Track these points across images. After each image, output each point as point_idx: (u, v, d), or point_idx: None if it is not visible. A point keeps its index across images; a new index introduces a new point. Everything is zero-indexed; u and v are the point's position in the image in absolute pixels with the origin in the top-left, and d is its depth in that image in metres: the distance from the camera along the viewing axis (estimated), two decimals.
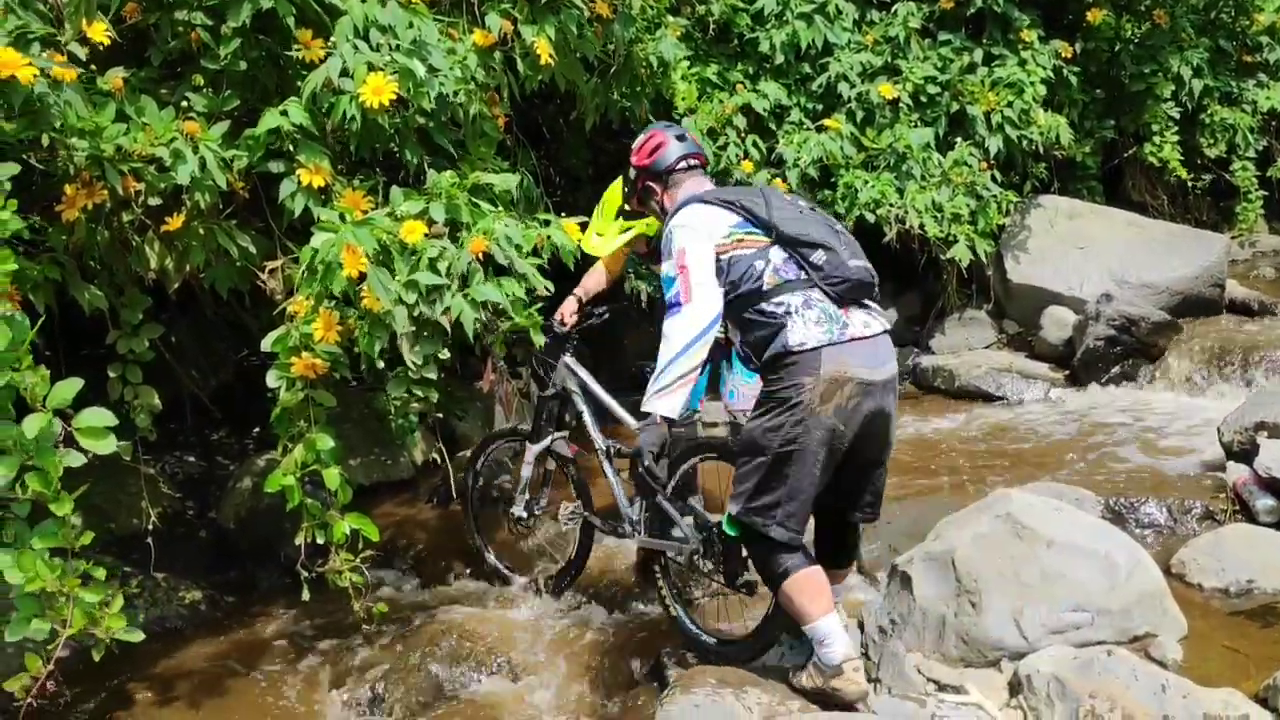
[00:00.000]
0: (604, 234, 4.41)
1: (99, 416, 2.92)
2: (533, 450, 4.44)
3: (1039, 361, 7.22)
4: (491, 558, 4.78)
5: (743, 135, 6.52)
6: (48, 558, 2.92)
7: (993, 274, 7.63)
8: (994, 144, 7.08)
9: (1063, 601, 3.50)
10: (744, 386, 4.54)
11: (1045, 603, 3.50)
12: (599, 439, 4.28)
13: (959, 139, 7.07)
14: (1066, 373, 6.97)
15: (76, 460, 2.89)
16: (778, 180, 6.49)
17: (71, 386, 2.88)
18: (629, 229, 4.37)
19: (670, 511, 3.94)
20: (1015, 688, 3.33)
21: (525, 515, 4.55)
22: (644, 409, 3.24)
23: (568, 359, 4.35)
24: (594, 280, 4.62)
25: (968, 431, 6.29)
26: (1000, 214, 7.19)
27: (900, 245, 6.92)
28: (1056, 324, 7.22)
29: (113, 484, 5.00)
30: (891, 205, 6.71)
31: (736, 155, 6.42)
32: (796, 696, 3.21)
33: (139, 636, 3.13)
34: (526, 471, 4.47)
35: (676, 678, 3.58)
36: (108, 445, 2.91)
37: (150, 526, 4.57)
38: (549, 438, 4.41)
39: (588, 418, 4.30)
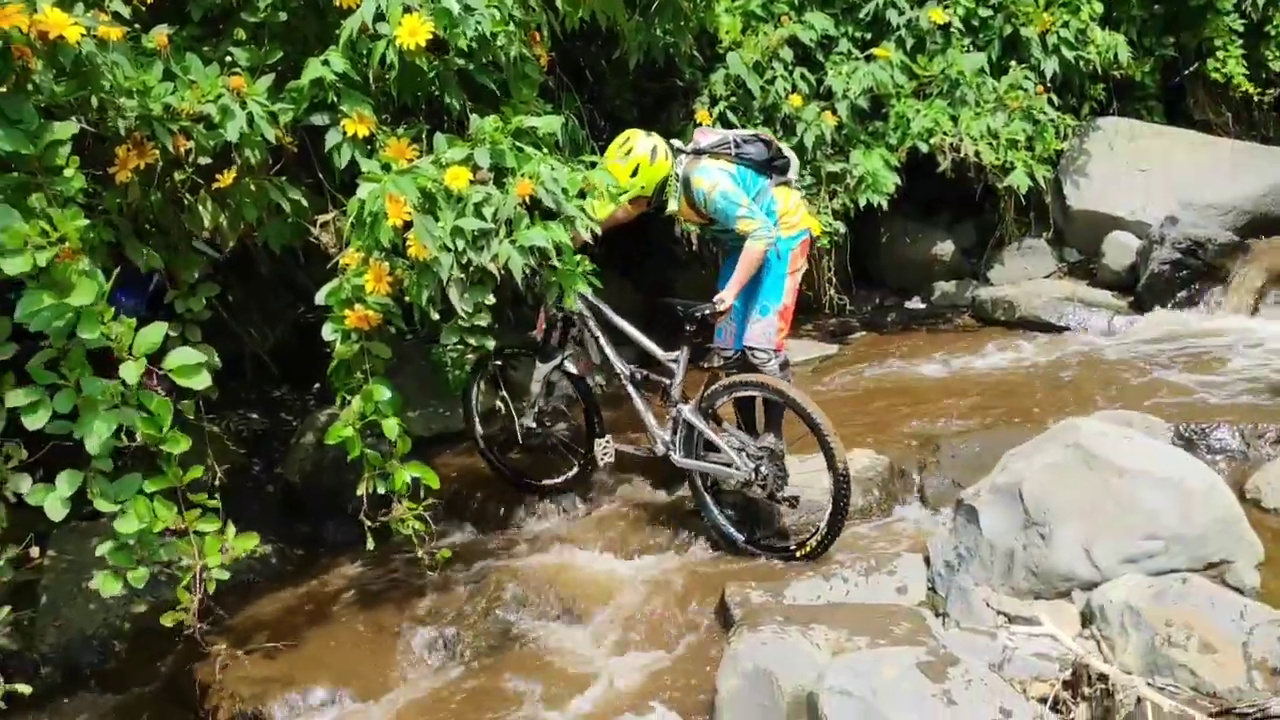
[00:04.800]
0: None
1: (189, 355, 2.98)
2: (542, 369, 4.72)
3: (1102, 289, 7.07)
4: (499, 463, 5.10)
5: (790, 68, 6.37)
6: (161, 500, 3.02)
7: (1052, 201, 7.46)
8: (1050, 66, 6.87)
9: (1135, 530, 3.45)
10: (756, 322, 4.51)
11: (1117, 532, 3.45)
12: (620, 364, 4.51)
13: (1013, 62, 6.87)
14: (1131, 299, 6.83)
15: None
16: (827, 113, 6.35)
17: (158, 331, 2.93)
18: (624, 191, 4.49)
19: (718, 441, 4.27)
20: (1088, 618, 3.29)
21: (535, 426, 4.82)
22: None
23: None
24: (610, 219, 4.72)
25: (1030, 363, 6.19)
26: (1058, 139, 7.00)
27: (955, 175, 6.77)
28: (1119, 250, 7.06)
29: None
30: (945, 134, 6.55)
31: (784, 89, 6.27)
32: (864, 633, 3.19)
33: (226, 576, 3.28)
34: (535, 388, 4.76)
35: (742, 616, 3.58)
36: (203, 380, 3.00)
37: (218, 483, 4.64)
38: (558, 357, 4.67)
39: (604, 343, 4.52)
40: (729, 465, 4.29)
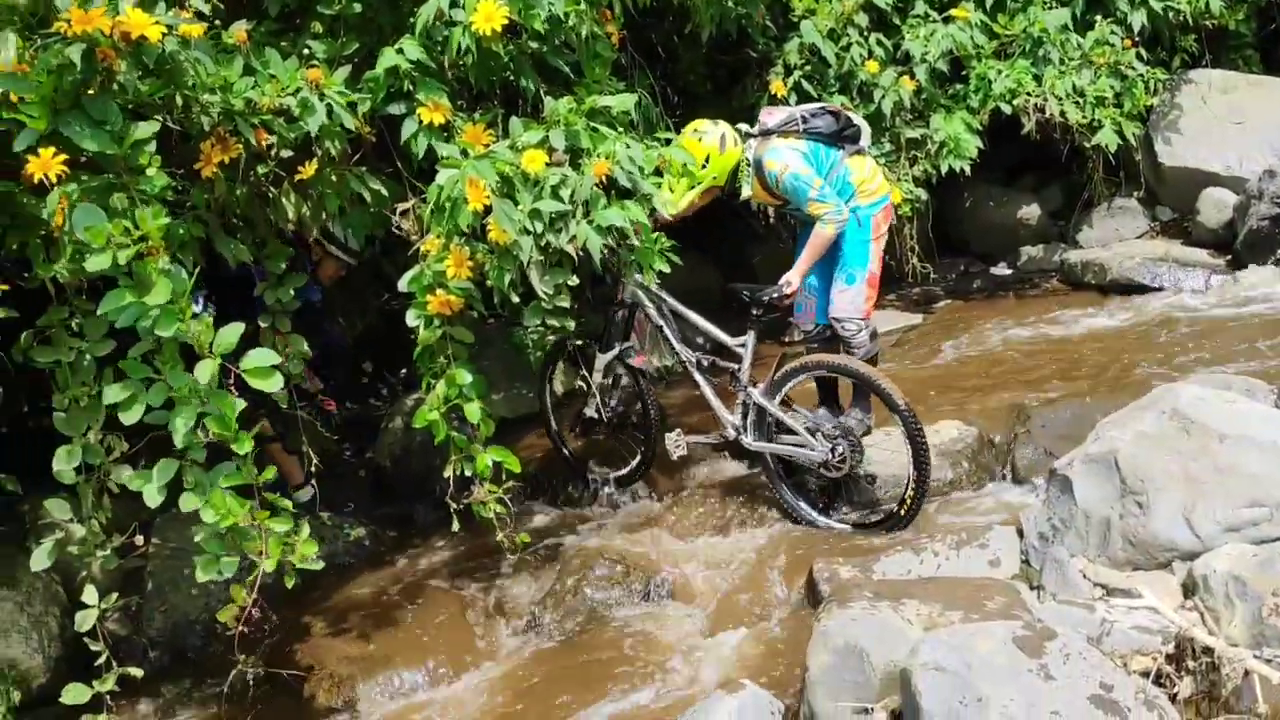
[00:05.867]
0: (674, 191, 4.43)
1: (264, 356, 3.04)
2: (602, 359, 4.69)
3: (1197, 248, 6.84)
4: (568, 453, 5.15)
5: (865, 33, 6.25)
6: (234, 495, 3.09)
7: (1142, 159, 7.22)
8: (1137, 19, 6.65)
9: (1238, 497, 3.34)
10: (843, 292, 4.44)
11: (1219, 499, 3.34)
12: (684, 351, 4.48)
13: (1098, 17, 6.68)
14: (1228, 257, 6.60)
15: (239, 404, 3.03)
16: (905, 78, 6.21)
17: (235, 331, 3.00)
18: (697, 184, 4.46)
19: (791, 423, 4.26)
20: (1190, 589, 3.19)
21: (596, 417, 4.81)
22: None
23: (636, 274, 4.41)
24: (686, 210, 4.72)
25: (1123, 326, 6.02)
26: (1148, 94, 6.79)
27: (1040, 136, 6.59)
28: (1215, 206, 6.81)
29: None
30: (1029, 94, 6.39)
31: (860, 55, 6.16)
32: (957, 607, 3.14)
33: (320, 566, 3.31)
34: (596, 378, 4.73)
35: (831, 592, 3.56)
36: (275, 383, 3.04)
37: (313, 469, 4.76)
38: (617, 347, 4.63)
39: (668, 331, 4.50)
40: (804, 446, 4.26)
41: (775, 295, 4.27)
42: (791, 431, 4.29)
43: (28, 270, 3.20)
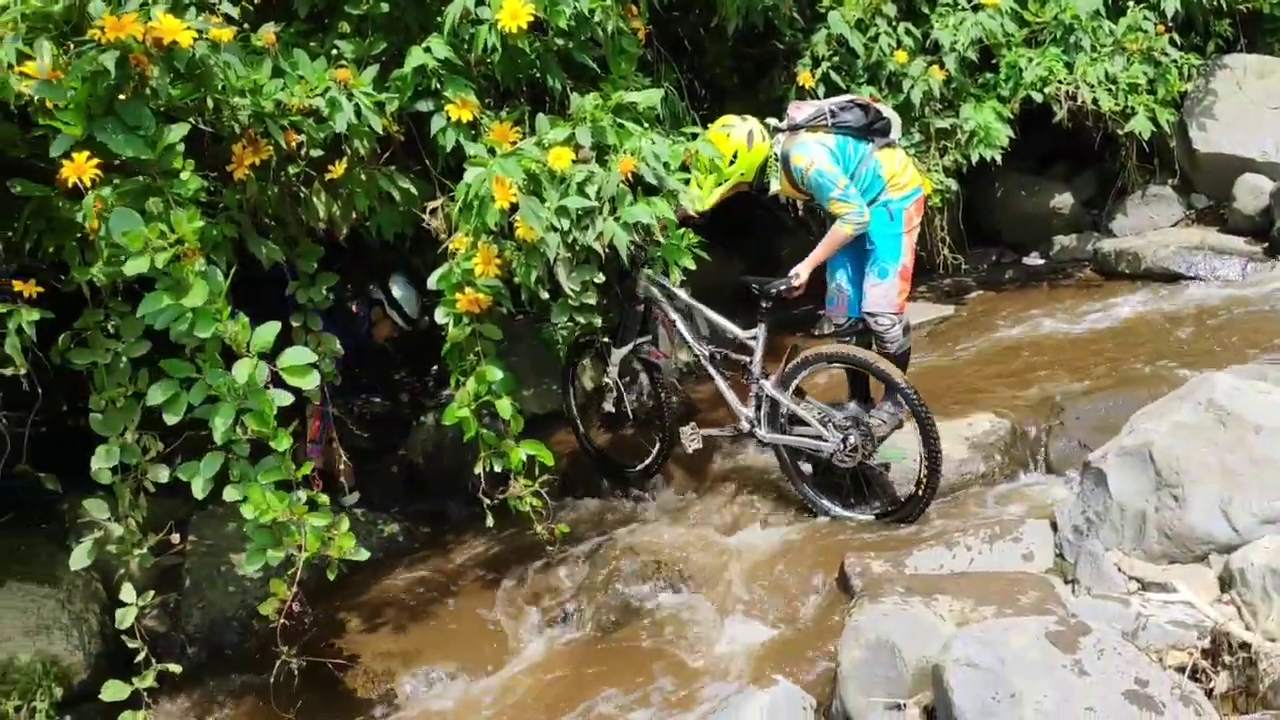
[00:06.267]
0: (702, 187, 4.40)
1: (301, 354, 3.08)
2: (617, 354, 4.71)
3: (1233, 235, 6.73)
4: (591, 448, 5.22)
5: (894, 23, 6.18)
6: (274, 490, 3.14)
7: (1177, 145, 7.12)
8: (1170, 4, 6.53)
9: (1275, 489, 3.30)
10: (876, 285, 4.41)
11: (1256, 491, 3.30)
12: (698, 345, 4.48)
13: (1130, 2, 6.57)
14: (1265, 245, 6.49)
15: (285, 399, 3.09)
16: (934, 68, 6.16)
17: (271, 330, 3.04)
18: (725, 180, 4.42)
19: (802, 414, 4.28)
20: (1226, 582, 3.16)
21: (614, 411, 4.86)
22: None
23: (648, 270, 4.44)
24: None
25: (1158, 316, 5.94)
26: (1182, 80, 6.68)
27: (1072, 124, 6.51)
28: (1251, 193, 6.70)
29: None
30: (1060, 82, 6.30)
31: (889, 46, 6.10)
32: (990, 602, 3.12)
33: (365, 555, 3.35)
34: (612, 373, 4.75)
35: (862, 586, 3.55)
36: (311, 380, 3.09)
37: (342, 465, 4.82)
38: (632, 343, 4.66)
39: (681, 326, 4.49)
40: (816, 438, 4.27)
41: (783, 287, 4.27)
42: (804, 423, 4.30)
43: (64, 273, 3.26)
